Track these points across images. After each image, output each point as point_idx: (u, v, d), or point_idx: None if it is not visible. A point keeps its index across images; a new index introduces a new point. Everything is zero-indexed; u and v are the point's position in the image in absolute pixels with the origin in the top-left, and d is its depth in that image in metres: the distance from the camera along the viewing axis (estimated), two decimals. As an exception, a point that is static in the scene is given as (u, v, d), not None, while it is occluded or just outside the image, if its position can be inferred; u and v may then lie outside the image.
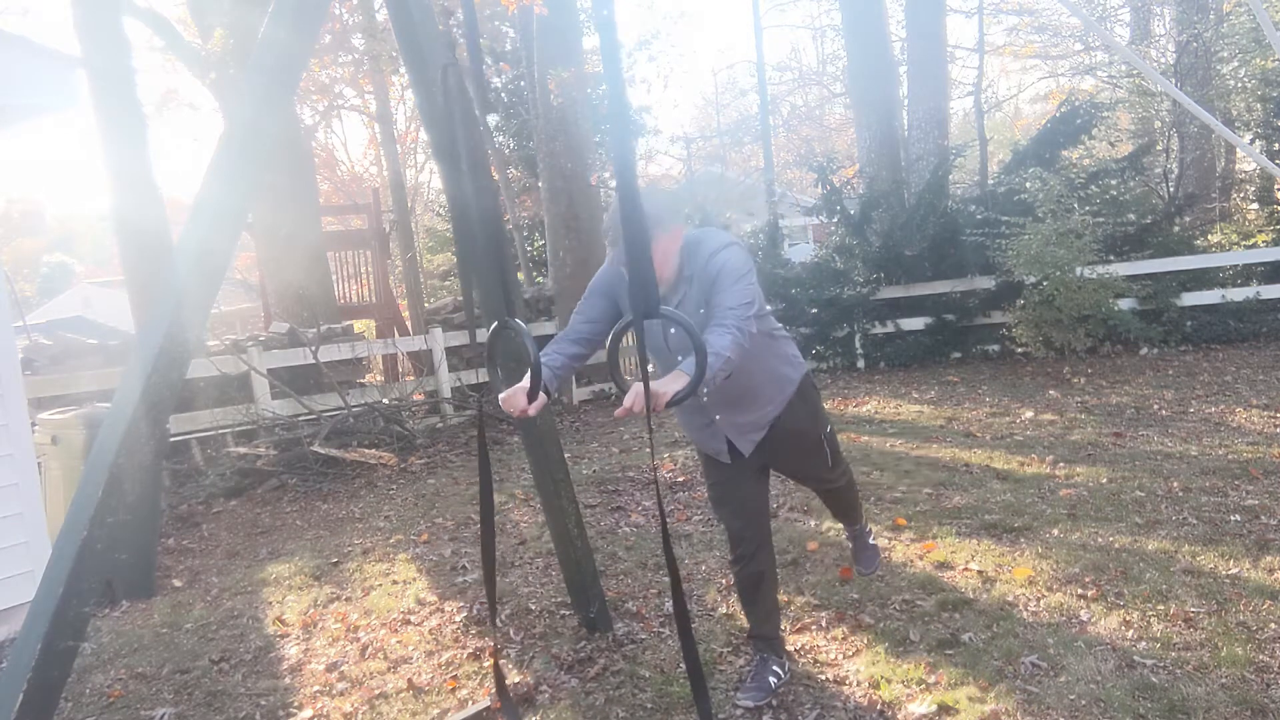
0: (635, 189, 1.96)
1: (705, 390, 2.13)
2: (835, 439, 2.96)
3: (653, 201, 2.42)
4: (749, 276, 2.44)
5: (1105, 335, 8.74)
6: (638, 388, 2.04)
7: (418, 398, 9.02)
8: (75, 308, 23.45)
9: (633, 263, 1.91)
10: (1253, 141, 11.27)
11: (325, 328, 8.27)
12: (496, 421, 8.28)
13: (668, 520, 4.89)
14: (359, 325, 12.31)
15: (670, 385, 2.08)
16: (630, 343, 10.13)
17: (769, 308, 2.82)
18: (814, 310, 10.01)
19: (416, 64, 2.91)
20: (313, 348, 7.64)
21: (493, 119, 15.37)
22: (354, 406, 7.53)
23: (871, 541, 3.42)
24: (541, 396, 2.38)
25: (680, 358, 2.40)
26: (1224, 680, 2.64)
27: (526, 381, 2.35)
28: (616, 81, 1.97)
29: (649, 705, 2.84)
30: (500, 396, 2.39)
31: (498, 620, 3.04)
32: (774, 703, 2.78)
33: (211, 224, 2.32)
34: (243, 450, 6.94)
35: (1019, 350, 9.15)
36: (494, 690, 3.02)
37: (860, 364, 10.05)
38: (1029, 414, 6.75)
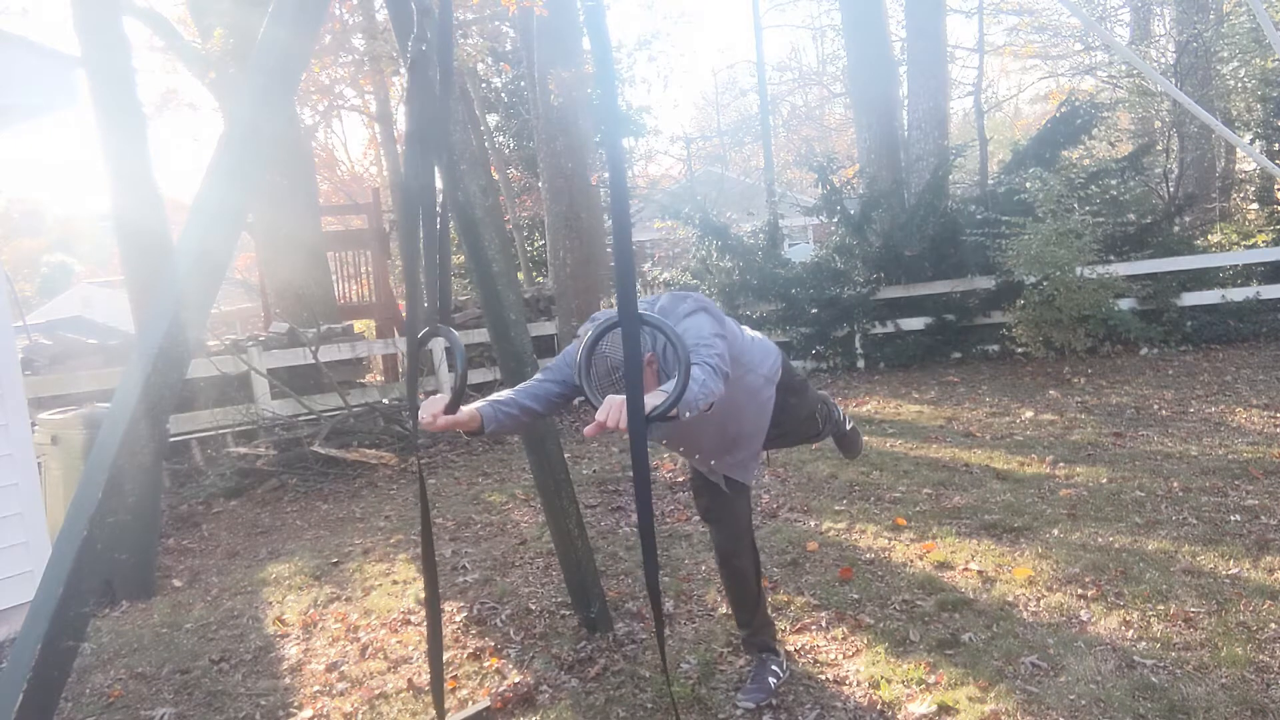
0: (624, 184, 1.94)
1: (689, 414, 2.01)
2: (822, 403, 2.99)
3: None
4: (712, 328, 2.30)
5: (1105, 335, 8.74)
6: (612, 399, 1.93)
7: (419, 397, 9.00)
8: (75, 308, 23.42)
9: (618, 266, 1.88)
10: (1253, 141, 11.26)
11: (325, 328, 8.27)
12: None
13: (668, 520, 4.89)
14: (359, 325, 12.31)
15: (648, 400, 1.94)
16: None
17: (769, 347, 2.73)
18: (814, 310, 10.01)
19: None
20: (313, 348, 7.63)
21: (493, 119, 15.38)
22: (354, 406, 7.53)
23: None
24: (463, 415, 2.27)
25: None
26: (1224, 680, 2.64)
27: (448, 394, 2.26)
28: (609, 84, 1.97)
29: (649, 705, 2.84)
30: (422, 401, 2.32)
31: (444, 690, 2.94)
32: (774, 703, 2.78)
33: (211, 224, 2.32)
34: (243, 450, 6.94)
35: (1019, 350, 9.14)
36: (494, 691, 3.03)
37: (860, 364, 10.05)
38: (1029, 414, 6.75)
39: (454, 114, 2.80)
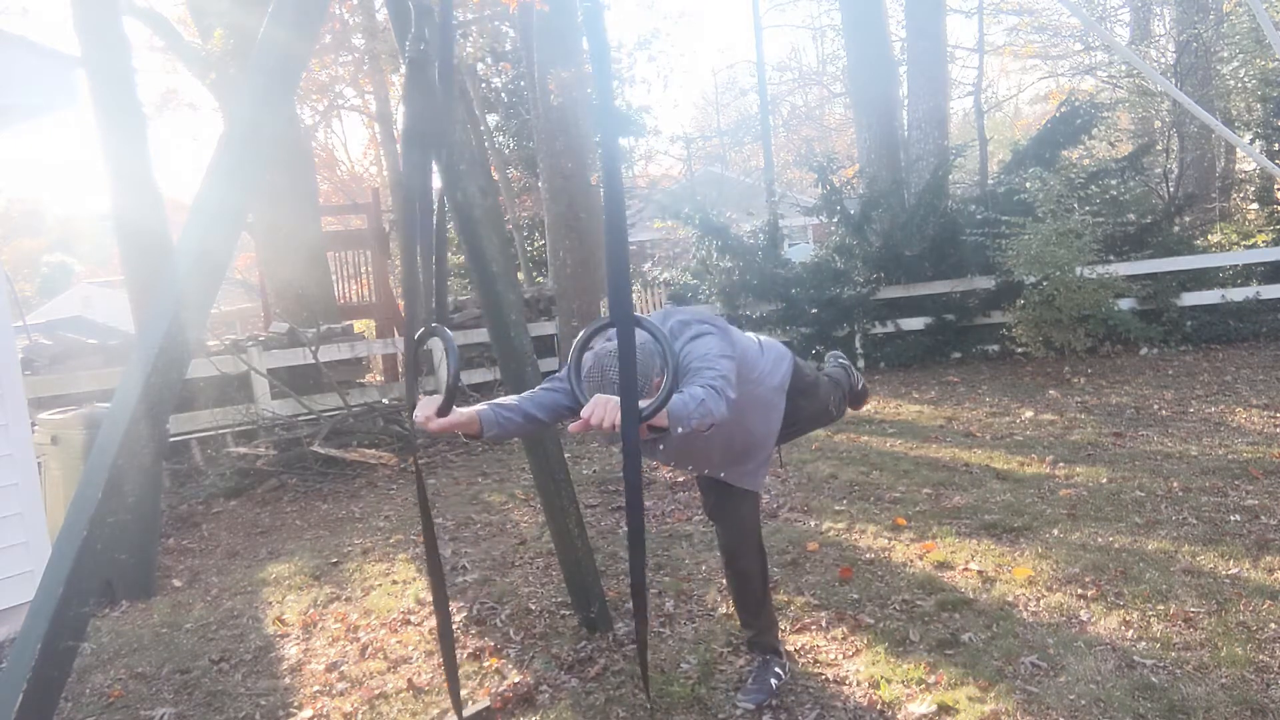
0: (621, 200, 1.94)
1: (680, 430, 1.98)
2: (835, 387, 3.02)
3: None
4: (720, 349, 2.26)
5: (1105, 335, 8.73)
6: (599, 398, 1.91)
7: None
8: (75, 308, 23.42)
9: (611, 269, 1.87)
10: (1253, 141, 11.25)
11: (325, 328, 8.27)
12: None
13: (669, 520, 4.89)
14: (359, 325, 12.31)
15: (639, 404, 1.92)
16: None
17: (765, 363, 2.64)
18: (814, 310, 10.01)
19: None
20: (312, 348, 7.64)
21: (493, 119, 15.36)
22: (354, 406, 7.53)
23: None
24: (460, 417, 2.22)
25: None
26: (1224, 680, 2.64)
27: (440, 397, 2.22)
28: (605, 81, 1.98)
29: (649, 705, 2.84)
30: (417, 402, 2.28)
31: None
32: (774, 703, 2.78)
33: (211, 224, 2.32)
34: (243, 450, 6.94)
35: (1019, 350, 9.14)
36: (494, 690, 3.03)
37: (860, 364, 10.04)
38: (1029, 414, 6.75)
39: (454, 113, 2.81)
